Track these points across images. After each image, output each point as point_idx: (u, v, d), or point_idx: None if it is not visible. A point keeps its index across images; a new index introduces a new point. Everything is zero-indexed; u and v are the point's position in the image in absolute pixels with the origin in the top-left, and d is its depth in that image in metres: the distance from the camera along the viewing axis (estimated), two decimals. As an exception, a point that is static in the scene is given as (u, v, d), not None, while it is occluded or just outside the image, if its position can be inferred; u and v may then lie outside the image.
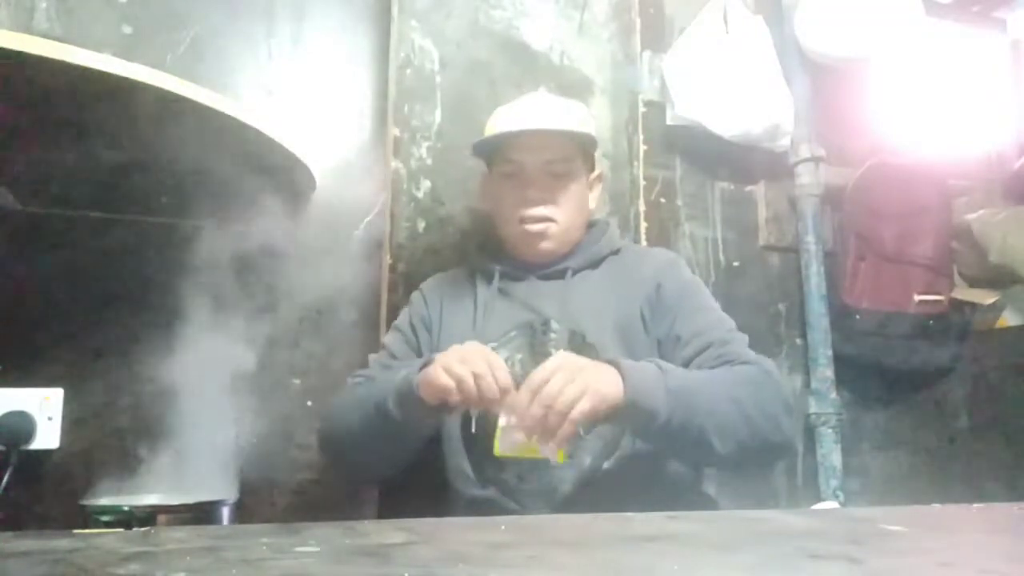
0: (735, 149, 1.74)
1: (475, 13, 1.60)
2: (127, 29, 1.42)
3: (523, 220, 1.21)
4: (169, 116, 1.05)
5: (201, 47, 1.47)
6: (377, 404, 1.05)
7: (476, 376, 0.95)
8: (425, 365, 1.01)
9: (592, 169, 1.30)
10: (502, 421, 0.99)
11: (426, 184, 1.51)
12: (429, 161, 1.52)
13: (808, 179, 1.80)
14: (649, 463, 1.11)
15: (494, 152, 1.25)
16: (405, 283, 1.44)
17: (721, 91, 1.67)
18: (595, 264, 1.25)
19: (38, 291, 1.30)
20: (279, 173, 1.34)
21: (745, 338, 1.14)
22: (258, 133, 1.14)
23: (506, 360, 1.12)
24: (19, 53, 0.84)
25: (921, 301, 1.84)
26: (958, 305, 1.92)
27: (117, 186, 1.31)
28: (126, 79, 0.93)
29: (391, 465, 1.16)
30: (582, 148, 1.24)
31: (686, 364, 1.10)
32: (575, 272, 1.22)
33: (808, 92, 1.82)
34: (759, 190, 1.85)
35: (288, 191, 1.41)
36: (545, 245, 1.22)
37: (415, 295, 1.31)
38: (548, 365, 0.95)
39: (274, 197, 1.36)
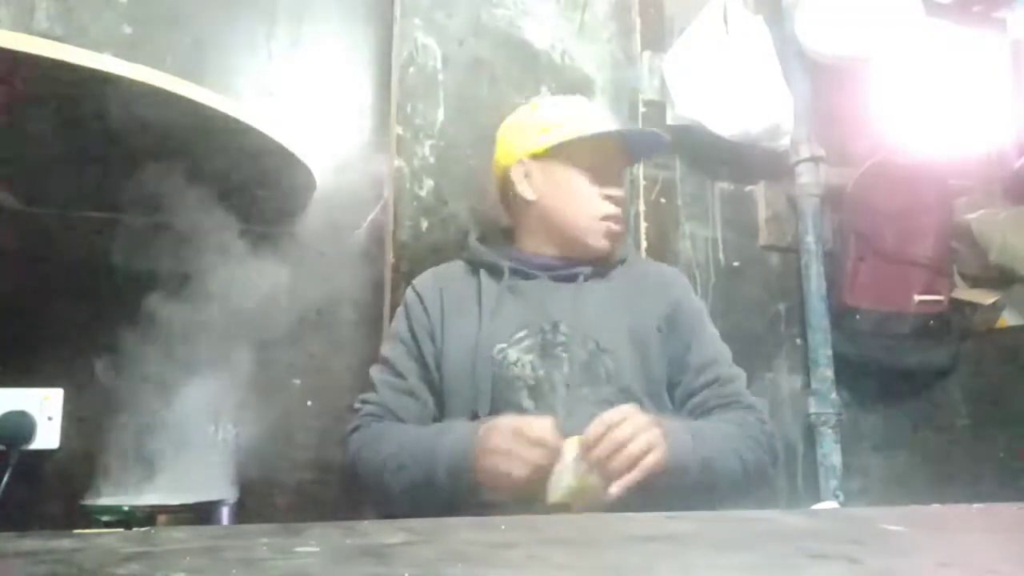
0: (735, 149, 1.74)
1: (477, 11, 1.60)
2: (127, 29, 1.42)
3: (607, 218, 1.21)
4: (169, 116, 1.05)
5: (201, 47, 1.47)
6: (427, 475, 1.00)
7: (537, 467, 0.92)
8: (471, 432, 0.99)
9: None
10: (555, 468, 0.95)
11: (429, 183, 1.51)
12: (432, 160, 1.52)
13: (808, 179, 1.80)
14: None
15: (571, 155, 1.21)
16: (408, 282, 1.44)
17: (721, 91, 1.67)
18: (606, 271, 1.24)
19: (38, 291, 1.30)
20: (279, 173, 1.34)
21: (743, 375, 1.20)
22: (258, 133, 1.14)
23: (515, 362, 1.12)
24: (19, 53, 0.84)
25: (921, 301, 1.84)
26: (958, 305, 1.92)
27: (117, 186, 1.31)
28: (126, 79, 0.93)
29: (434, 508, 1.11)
30: (635, 158, 1.36)
31: (693, 394, 1.15)
32: (587, 278, 1.21)
33: (808, 92, 1.82)
34: (759, 190, 1.85)
35: (289, 191, 1.41)
36: (616, 243, 1.24)
37: (411, 298, 1.25)
38: (621, 408, 0.95)
39: (274, 197, 1.36)
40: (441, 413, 1.16)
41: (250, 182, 1.28)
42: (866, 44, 1.77)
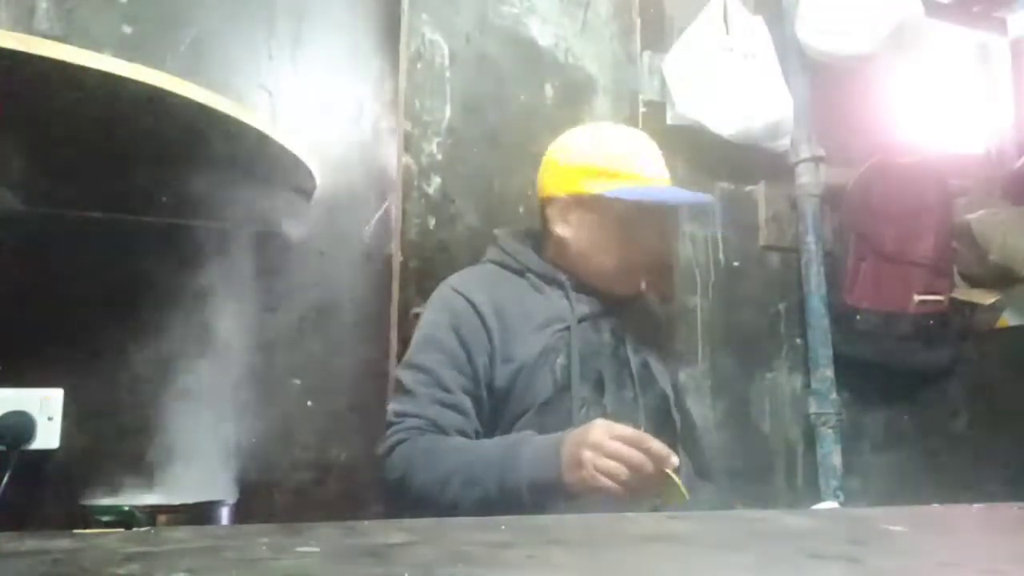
0: (735, 149, 1.74)
1: (484, 8, 1.60)
2: (127, 29, 1.42)
3: (641, 267, 1.25)
4: (169, 116, 1.05)
5: (201, 47, 1.46)
6: (504, 489, 0.96)
7: (636, 467, 0.90)
8: (557, 442, 0.96)
9: None
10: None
11: (436, 180, 1.51)
12: (439, 157, 1.52)
13: (808, 179, 1.80)
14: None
15: (631, 204, 1.16)
16: (416, 280, 1.44)
17: (721, 91, 1.67)
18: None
19: (38, 291, 1.30)
20: (280, 172, 1.34)
21: None
22: (258, 133, 1.14)
23: (589, 355, 1.13)
24: (19, 53, 0.84)
25: (921, 301, 1.84)
26: (958, 305, 1.92)
27: (117, 186, 1.31)
28: (126, 79, 0.93)
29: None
30: None
31: None
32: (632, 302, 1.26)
33: (808, 92, 1.83)
34: (759, 190, 1.85)
35: (289, 191, 1.41)
36: (649, 288, 1.31)
37: (461, 307, 1.13)
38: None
39: (275, 197, 1.36)
40: (494, 424, 1.11)
41: (250, 182, 1.28)
42: (866, 44, 1.77)
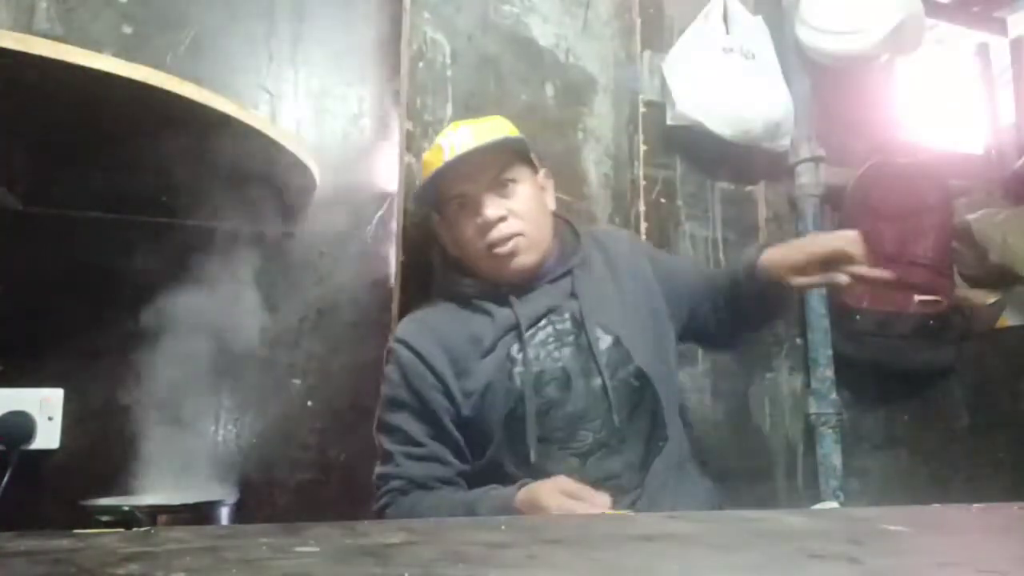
0: (735, 149, 1.74)
1: (485, 7, 1.60)
2: (127, 29, 1.42)
3: (490, 246, 1.15)
4: (169, 116, 1.05)
5: (201, 47, 1.46)
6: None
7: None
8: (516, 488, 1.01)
9: (536, 170, 1.25)
10: None
11: None
12: None
13: (808, 179, 1.80)
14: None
15: (440, 196, 1.20)
16: (417, 280, 1.43)
17: (721, 91, 1.67)
18: (583, 260, 1.23)
19: (38, 291, 1.30)
20: (280, 172, 1.34)
21: None
22: (258, 133, 1.14)
23: (535, 357, 1.12)
24: (19, 53, 0.84)
25: (921, 301, 1.84)
26: (958, 305, 1.92)
27: (117, 186, 1.31)
28: (126, 79, 0.93)
29: None
30: (518, 154, 1.21)
31: (718, 288, 1.23)
32: (575, 271, 1.21)
33: (808, 92, 1.83)
34: (759, 190, 1.85)
35: (289, 191, 1.41)
36: (520, 261, 1.17)
37: (405, 358, 1.15)
38: None
39: (275, 197, 1.36)
40: (474, 457, 1.14)
41: (250, 182, 1.28)
42: (866, 44, 1.77)
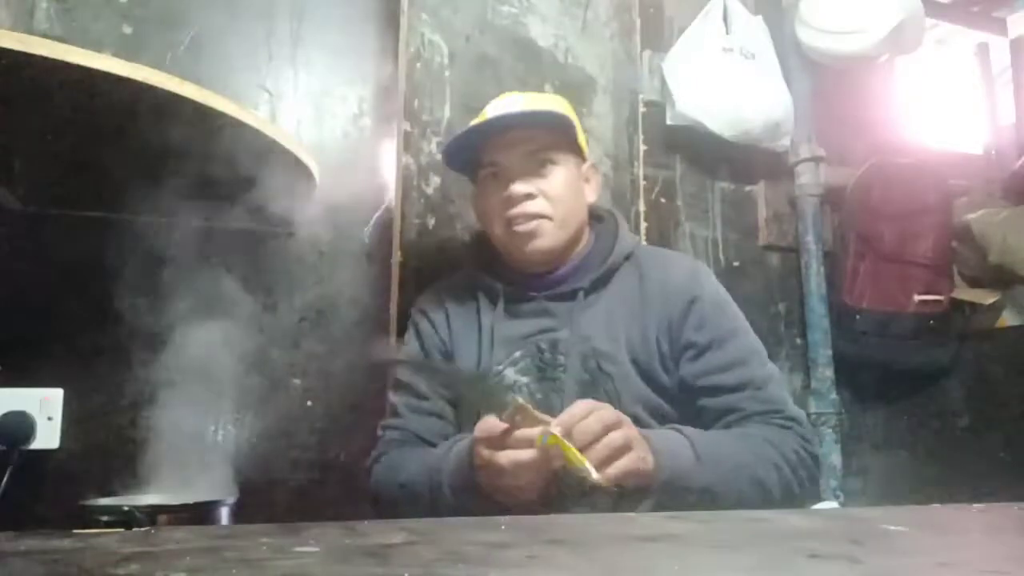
0: (735, 149, 1.74)
1: (483, 8, 1.60)
2: (127, 29, 1.42)
3: (511, 222, 1.10)
4: (169, 116, 1.05)
5: (201, 47, 1.46)
6: (435, 498, 0.98)
7: (528, 466, 0.86)
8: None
9: (583, 159, 1.18)
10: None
11: (436, 180, 1.51)
12: (439, 157, 1.52)
13: (808, 179, 1.80)
14: None
15: (473, 161, 1.16)
16: (415, 280, 1.44)
17: (721, 91, 1.67)
18: (607, 277, 1.13)
19: (38, 291, 1.30)
20: (279, 172, 1.34)
21: (779, 376, 1.09)
22: (258, 132, 1.14)
23: (512, 384, 1.08)
24: (19, 53, 0.84)
25: (921, 301, 1.84)
26: (958, 305, 1.92)
27: (117, 186, 1.31)
28: (126, 79, 0.93)
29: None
30: (564, 135, 1.13)
31: (720, 393, 1.05)
32: (587, 293, 1.12)
33: (808, 92, 1.83)
34: (759, 190, 1.85)
35: (289, 190, 1.41)
36: (538, 243, 1.10)
37: (419, 320, 1.20)
38: (587, 403, 0.88)
39: (274, 196, 1.36)
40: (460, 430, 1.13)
41: (250, 182, 1.28)
42: (866, 44, 1.77)
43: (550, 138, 1.12)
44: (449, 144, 1.16)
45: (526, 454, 0.85)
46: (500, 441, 0.87)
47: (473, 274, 1.20)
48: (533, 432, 0.84)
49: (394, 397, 1.17)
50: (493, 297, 1.16)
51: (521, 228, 1.10)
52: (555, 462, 0.84)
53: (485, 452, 0.88)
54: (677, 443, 0.95)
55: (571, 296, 1.13)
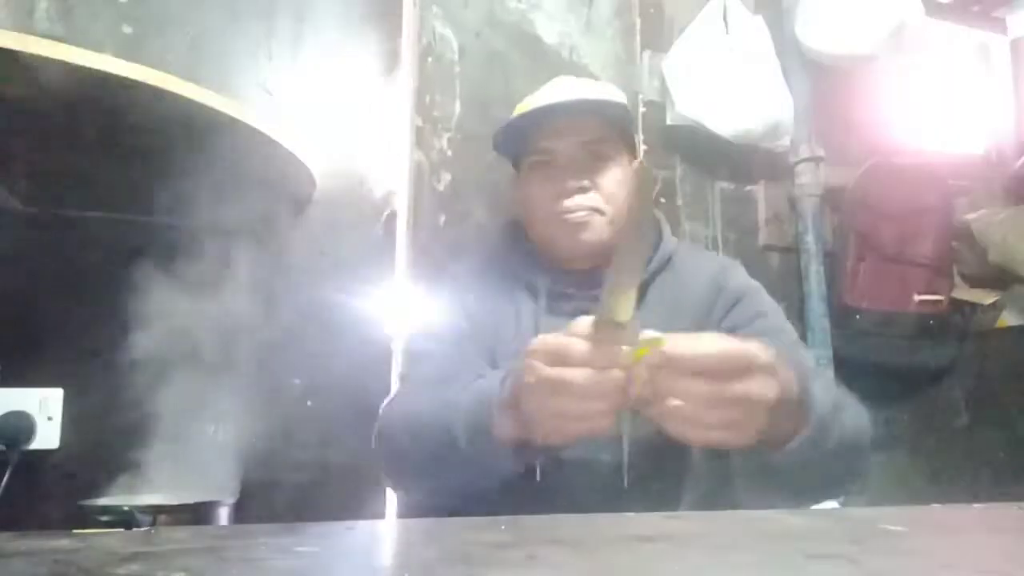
0: (735, 149, 1.74)
1: (491, 3, 1.60)
2: (127, 29, 1.42)
3: (561, 213, 1.04)
4: (169, 116, 1.05)
5: (201, 47, 1.46)
6: (443, 429, 0.81)
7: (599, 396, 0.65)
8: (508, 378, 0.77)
9: (634, 154, 1.13)
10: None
11: (447, 177, 1.51)
12: (449, 153, 1.51)
13: (808, 179, 1.80)
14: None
15: (521, 147, 1.10)
16: (425, 279, 1.43)
17: (721, 91, 1.67)
18: (649, 280, 1.07)
19: (38, 291, 1.30)
20: (279, 172, 1.34)
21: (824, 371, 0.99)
22: (258, 133, 1.14)
23: None
24: (19, 53, 0.84)
25: (921, 301, 1.84)
26: (958, 305, 1.92)
27: (117, 186, 1.31)
28: (126, 79, 0.93)
29: (458, 496, 0.90)
30: (620, 128, 1.09)
31: None
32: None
33: (808, 92, 1.83)
34: (759, 190, 1.85)
35: (288, 190, 1.41)
36: (589, 236, 1.04)
37: (454, 280, 1.12)
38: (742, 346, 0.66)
39: (274, 196, 1.36)
40: None
41: (250, 181, 1.28)
42: (866, 44, 1.77)
43: (606, 130, 1.07)
44: (507, 126, 1.09)
45: (610, 374, 0.64)
46: (568, 358, 0.65)
47: (508, 264, 1.12)
48: (626, 350, 0.64)
49: (416, 342, 1.08)
50: (533, 291, 1.08)
51: (573, 217, 1.04)
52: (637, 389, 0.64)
53: (543, 366, 0.66)
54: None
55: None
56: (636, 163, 1.13)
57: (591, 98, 1.06)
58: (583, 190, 1.04)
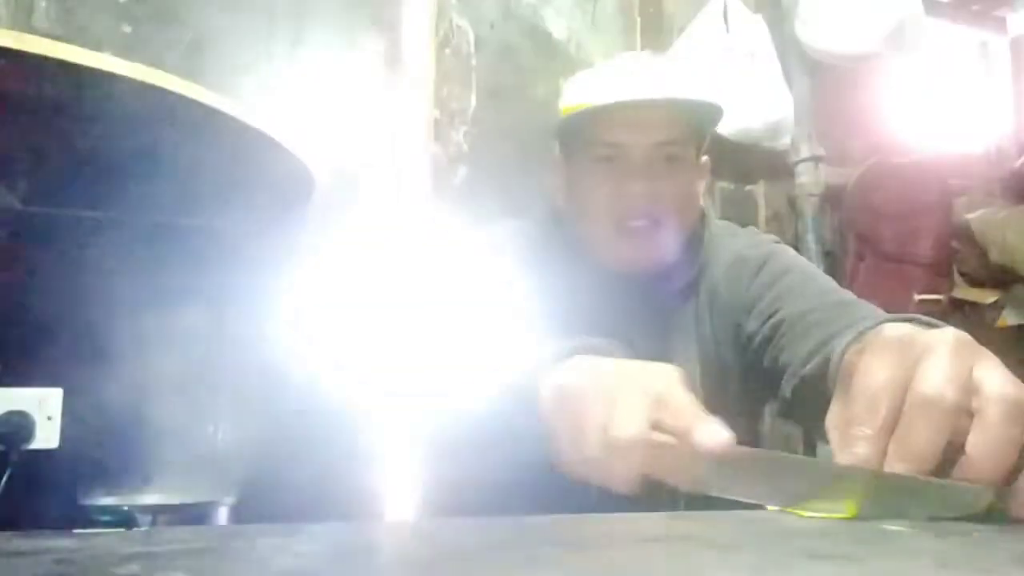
0: (735, 149, 1.74)
1: None
2: (127, 29, 1.42)
3: (622, 219, 0.91)
4: (168, 115, 1.05)
5: (201, 47, 1.46)
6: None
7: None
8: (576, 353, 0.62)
9: (700, 154, 0.98)
10: None
11: (463, 171, 1.50)
12: (465, 147, 1.51)
13: (808, 179, 1.80)
14: None
15: (582, 132, 0.94)
16: (439, 277, 1.43)
17: (721, 90, 1.67)
18: (689, 287, 0.98)
19: (38, 291, 1.30)
20: (279, 172, 1.34)
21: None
22: (257, 132, 1.14)
23: None
24: (19, 53, 0.84)
25: (921, 301, 1.84)
26: (958, 305, 1.92)
27: (117, 186, 1.31)
28: (126, 79, 0.93)
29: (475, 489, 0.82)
30: (699, 128, 0.95)
31: (799, 374, 0.80)
32: (672, 305, 0.96)
33: (808, 92, 1.83)
34: (759, 190, 1.85)
35: (288, 190, 1.41)
36: (648, 248, 0.93)
37: (490, 252, 1.00)
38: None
39: (274, 196, 1.36)
40: None
41: (250, 181, 1.28)
42: (866, 44, 1.77)
43: (687, 129, 0.93)
44: (580, 114, 0.93)
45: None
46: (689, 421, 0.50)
47: (550, 258, 0.98)
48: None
49: None
50: (575, 291, 0.94)
51: (636, 223, 0.91)
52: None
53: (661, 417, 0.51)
54: None
55: (657, 304, 0.98)
56: (704, 160, 1.00)
57: (683, 99, 0.93)
58: (654, 199, 0.91)
